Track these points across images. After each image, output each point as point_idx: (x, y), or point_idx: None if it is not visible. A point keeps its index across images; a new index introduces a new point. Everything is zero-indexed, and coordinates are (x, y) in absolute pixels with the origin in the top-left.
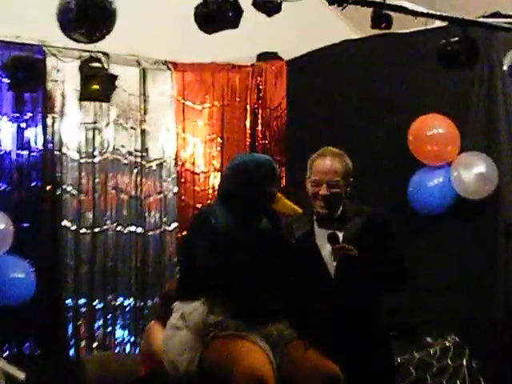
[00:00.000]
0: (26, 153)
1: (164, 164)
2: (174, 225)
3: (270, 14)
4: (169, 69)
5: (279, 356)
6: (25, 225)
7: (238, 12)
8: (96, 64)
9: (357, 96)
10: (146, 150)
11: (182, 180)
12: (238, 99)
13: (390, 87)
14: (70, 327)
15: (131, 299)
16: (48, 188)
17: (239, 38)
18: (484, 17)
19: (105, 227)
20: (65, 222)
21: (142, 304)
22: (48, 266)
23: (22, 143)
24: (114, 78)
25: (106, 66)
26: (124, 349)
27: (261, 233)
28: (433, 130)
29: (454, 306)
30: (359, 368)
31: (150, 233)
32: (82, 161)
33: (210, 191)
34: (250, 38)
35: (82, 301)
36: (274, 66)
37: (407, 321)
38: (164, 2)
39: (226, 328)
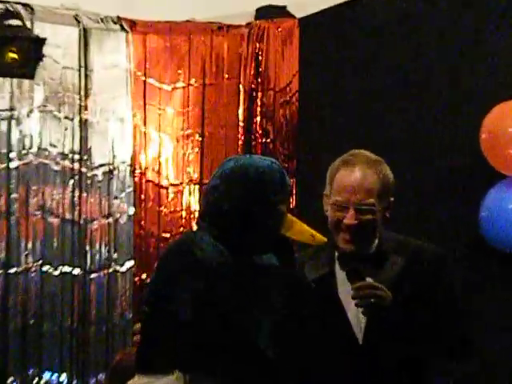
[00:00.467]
0: None
1: (115, 172)
2: (129, 264)
3: None
4: (123, 30)
5: None
6: None
7: None
8: (14, 21)
9: (402, 75)
10: (88, 152)
11: (142, 197)
12: (226, 76)
13: (449, 62)
14: None
15: (63, 375)
16: None
17: None
18: None
19: (24, 267)
20: None
21: (79, 382)
22: None
23: None
24: (41, 42)
25: (27, 23)
26: None
27: (266, 274)
28: None
29: None
30: None
31: (93, 275)
32: None
33: (184, 213)
34: None
35: None
36: (280, 27)
37: None
38: None
39: None
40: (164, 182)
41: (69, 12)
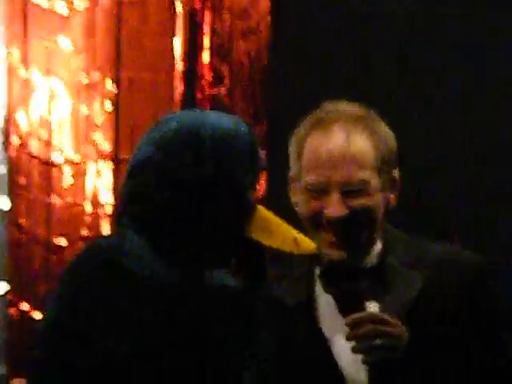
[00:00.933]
0: None
1: None
2: (1, 287)
3: None
4: None
5: None
6: None
7: None
8: None
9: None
10: None
11: (22, 181)
12: None
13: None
14: None
15: None
16: None
17: None
18: None
19: None
20: None
21: None
22: None
23: None
24: None
25: None
26: None
27: (220, 303)
28: None
29: None
30: None
31: None
32: None
33: (89, 207)
34: None
35: None
36: None
37: None
38: None
39: None
40: (57, 158)
41: None
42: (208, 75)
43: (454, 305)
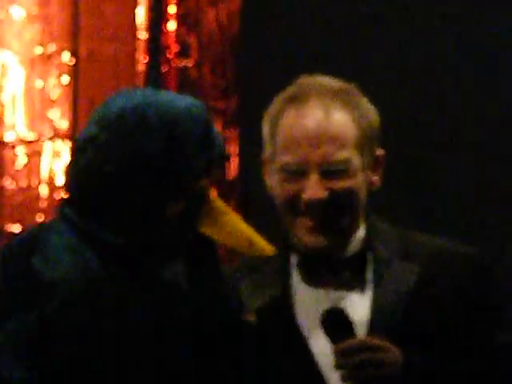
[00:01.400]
0: None
1: None
2: None
3: None
4: None
5: None
6: None
7: None
8: None
9: None
10: None
11: None
12: None
13: None
14: None
15: None
16: None
17: None
18: None
19: None
20: None
21: None
22: None
23: None
24: None
25: None
26: None
27: (176, 304)
28: None
29: None
30: None
31: None
32: None
33: (45, 190)
34: None
35: None
36: None
37: None
38: None
39: None
40: (9, 137)
41: None
42: (174, 46)
43: (450, 298)
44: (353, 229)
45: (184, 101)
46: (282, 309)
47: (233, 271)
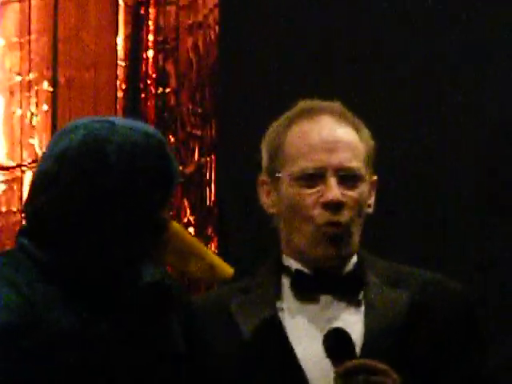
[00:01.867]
0: None
1: None
2: None
3: None
4: None
5: None
6: None
7: None
8: None
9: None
10: None
11: None
12: None
13: None
14: None
15: None
16: None
17: None
18: None
19: None
20: None
21: None
22: None
23: None
24: None
25: None
26: None
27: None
28: None
29: None
30: None
31: None
32: None
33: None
34: None
35: None
36: None
37: None
38: None
39: None
40: None
41: None
42: (152, 74)
43: (442, 330)
44: (354, 245)
45: (142, 132)
46: (275, 330)
47: (223, 293)
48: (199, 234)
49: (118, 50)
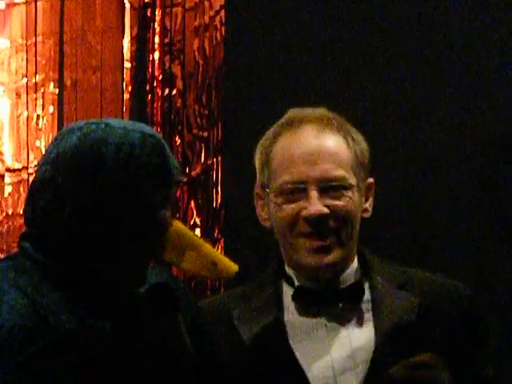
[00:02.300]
0: None
1: None
2: None
3: None
4: None
5: None
6: None
7: None
8: None
9: None
10: None
11: None
12: None
13: None
14: None
15: None
16: None
17: None
18: None
19: None
20: None
21: None
22: None
23: None
24: None
25: None
26: None
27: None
28: None
29: None
30: None
31: None
32: None
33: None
34: None
35: None
36: None
37: None
38: None
39: None
40: None
41: None
42: (159, 76)
43: (451, 332)
44: (349, 257)
45: (139, 132)
46: (276, 337)
47: (225, 299)
48: (206, 235)
49: (124, 51)
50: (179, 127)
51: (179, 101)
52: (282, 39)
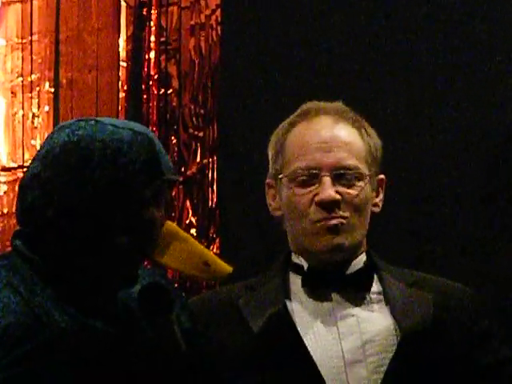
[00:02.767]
0: None
1: None
2: None
3: None
4: None
5: None
6: None
7: None
8: None
9: None
10: None
11: None
12: None
13: None
14: None
15: None
16: None
17: None
18: None
19: None
20: None
21: None
22: None
23: None
24: None
25: None
26: None
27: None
28: None
29: None
30: None
31: None
32: None
33: None
34: None
35: None
36: None
37: None
38: None
39: None
40: None
41: None
42: (154, 75)
43: (462, 332)
44: (358, 244)
45: (128, 129)
46: (285, 325)
47: (232, 290)
48: (201, 235)
49: (119, 50)
50: (175, 126)
51: (175, 100)
52: (278, 39)
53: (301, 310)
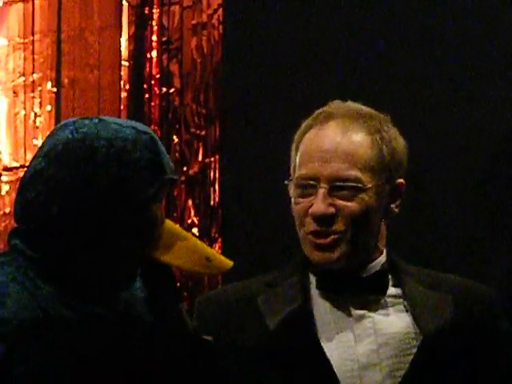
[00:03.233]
0: None
1: None
2: None
3: None
4: None
5: None
6: None
7: None
8: None
9: None
10: None
11: None
12: None
13: None
14: None
15: None
16: None
17: None
18: None
19: None
20: None
21: None
22: None
23: None
24: None
25: None
26: None
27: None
28: None
29: None
30: None
31: None
32: None
33: None
34: None
35: None
36: None
37: None
38: None
39: None
40: None
41: None
42: (156, 74)
43: (482, 334)
44: (367, 250)
45: (132, 128)
46: (303, 323)
47: (251, 285)
48: (203, 234)
49: (121, 50)
50: (177, 126)
51: (177, 99)
52: (280, 38)
53: (318, 310)
